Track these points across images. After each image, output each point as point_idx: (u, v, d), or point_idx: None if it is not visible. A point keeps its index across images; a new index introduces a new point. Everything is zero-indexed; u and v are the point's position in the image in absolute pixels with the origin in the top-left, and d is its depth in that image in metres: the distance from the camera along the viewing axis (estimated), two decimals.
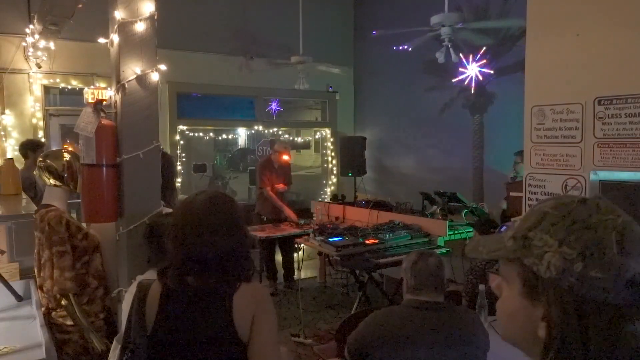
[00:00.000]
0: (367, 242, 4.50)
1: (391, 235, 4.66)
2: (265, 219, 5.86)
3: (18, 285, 2.68)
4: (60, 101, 6.35)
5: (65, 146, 5.89)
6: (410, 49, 5.81)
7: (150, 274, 1.89)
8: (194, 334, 1.42)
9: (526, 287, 0.73)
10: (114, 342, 1.93)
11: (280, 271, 6.02)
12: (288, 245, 5.77)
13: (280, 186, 5.93)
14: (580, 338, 0.67)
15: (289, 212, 5.83)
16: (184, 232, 1.46)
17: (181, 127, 7.07)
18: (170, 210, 2.46)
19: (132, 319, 1.48)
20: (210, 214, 1.48)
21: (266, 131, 8.06)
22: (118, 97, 2.34)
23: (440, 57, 5.29)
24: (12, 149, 5.63)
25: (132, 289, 1.91)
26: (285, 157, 5.88)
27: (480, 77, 6.08)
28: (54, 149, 4.39)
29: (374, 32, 6.11)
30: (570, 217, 0.70)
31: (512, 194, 4.43)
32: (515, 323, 0.77)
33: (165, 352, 1.44)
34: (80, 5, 4.15)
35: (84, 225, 2.50)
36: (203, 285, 1.43)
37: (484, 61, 6.02)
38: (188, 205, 1.51)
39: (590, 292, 0.67)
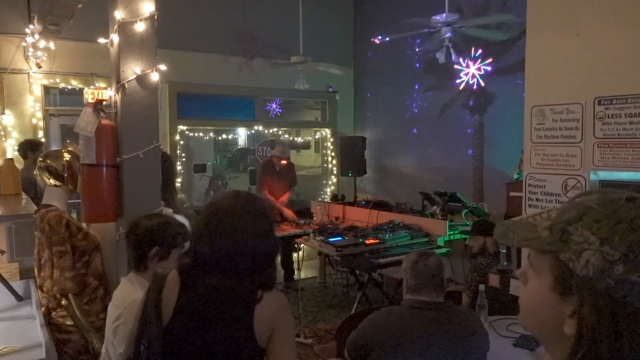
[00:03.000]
0: (367, 242, 4.50)
1: (391, 235, 4.66)
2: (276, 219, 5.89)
3: (18, 285, 2.68)
4: (60, 101, 6.35)
5: (68, 147, 5.89)
6: (387, 40, 5.77)
7: (131, 278, 1.88)
8: (212, 334, 1.41)
9: (558, 282, 0.70)
10: (105, 339, 1.93)
11: (280, 271, 6.03)
12: (287, 245, 5.79)
13: (284, 198, 5.99)
14: (613, 342, 0.65)
15: (288, 213, 5.85)
16: (221, 233, 1.43)
17: (181, 127, 7.07)
18: (170, 210, 2.46)
19: (147, 309, 1.45)
20: (250, 221, 1.45)
21: (266, 131, 8.05)
22: (118, 97, 2.34)
23: (440, 57, 5.29)
24: (12, 149, 5.63)
25: (117, 293, 1.89)
26: (284, 162, 5.96)
27: (480, 77, 6.08)
28: (54, 149, 4.40)
29: (375, 42, 6.08)
30: (617, 216, 0.67)
31: (512, 194, 4.44)
32: (540, 315, 0.74)
33: (180, 347, 1.42)
34: (80, 5, 4.15)
35: (84, 225, 2.50)
36: (227, 287, 1.41)
37: (484, 61, 6.02)
38: (228, 208, 1.46)
39: (629, 297, 0.64)
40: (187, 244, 1.68)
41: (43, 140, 5.70)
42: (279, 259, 5.99)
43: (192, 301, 1.43)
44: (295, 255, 5.83)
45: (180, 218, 2.25)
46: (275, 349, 1.43)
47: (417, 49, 6.18)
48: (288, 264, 5.99)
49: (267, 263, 1.48)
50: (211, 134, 7.92)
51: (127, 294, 1.79)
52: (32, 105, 5.88)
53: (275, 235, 1.53)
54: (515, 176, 4.83)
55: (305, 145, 9.26)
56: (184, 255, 1.54)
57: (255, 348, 1.42)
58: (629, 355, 0.64)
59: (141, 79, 2.33)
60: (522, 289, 0.78)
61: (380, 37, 6.01)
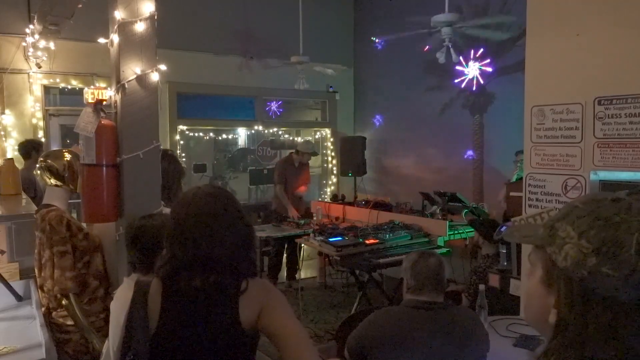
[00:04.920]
0: (367, 242, 4.50)
1: (391, 235, 4.66)
2: (284, 216, 5.91)
3: (18, 285, 2.69)
4: (60, 101, 6.35)
5: (71, 148, 5.89)
6: (387, 43, 5.78)
7: (133, 278, 1.86)
8: (200, 335, 1.40)
9: (546, 274, 0.76)
10: (106, 341, 1.92)
11: (283, 270, 6.04)
12: (291, 244, 5.79)
13: (302, 189, 6.06)
14: (580, 330, 0.70)
15: (292, 211, 5.85)
16: (193, 230, 1.40)
17: (181, 127, 7.07)
18: (169, 210, 2.45)
19: (132, 319, 1.43)
20: (217, 209, 1.43)
21: (266, 131, 8.05)
22: (118, 97, 2.34)
23: (440, 57, 5.29)
24: (12, 149, 5.63)
25: (119, 293, 1.88)
26: (305, 158, 6.07)
27: (480, 77, 6.08)
28: (54, 149, 4.40)
29: (377, 45, 6.10)
30: (596, 213, 0.71)
31: (512, 194, 4.43)
32: (532, 307, 0.81)
33: (168, 353, 1.41)
34: (80, 5, 4.15)
35: (84, 225, 2.50)
36: (211, 283, 1.39)
37: (484, 61, 6.02)
38: (190, 202, 1.45)
39: (600, 288, 0.68)
40: None
41: (43, 140, 5.71)
42: (283, 257, 5.99)
43: (177, 306, 1.41)
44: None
45: None
46: (271, 323, 1.41)
47: (417, 49, 6.18)
48: (292, 263, 5.99)
49: (244, 247, 1.46)
50: (211, 134, 7.92)
51: None
52: (32, 105, 5.88)
53: (246, 217, 1.50)
54: (515, 177, 4.82)
55: None
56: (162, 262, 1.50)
57: (244, 337, 1.41)
58: (590, 344, 0.69)
59: (141, 79, 2.33)
60: (524, 285, 0.84)
61: (378, 40, 6.02)
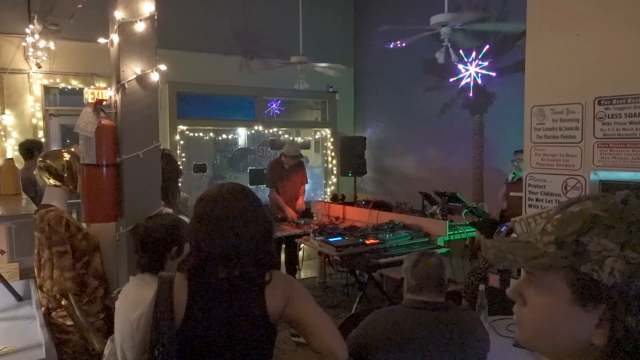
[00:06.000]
0: (367, 242, 4.50)
1: (391, 235, 4.66)
2: (278, 217, 5.89)
3: (18, 285, 2.69)
4: (60, 101, 6.35)
5: (72, 149, 5.89)
6: (405, 45, 5.77)
7: (144, 277, 1.87)
8: (228, 324, 1.44)
9: (579, 294, 0.69)
10: (108, 341, 1.92)
11: (282, 270, 6.03)
12: (292, 244, 5.79)
13: (300, 202, 5.98)
14: None
15: (290, 212, 5.84)
16: (221, 225, 1.45)
17: (181, 127, 7.07)
18: (170, 210, 2.46)
19: (158, 313, 1.46)
20: (243, 205, 1.49)
21: (266, 131, 8.06)
22: (118, 97, 2.34)
23: (440, 57, 5.29)
24: (12, 149, 5.63)
25: (126, 291, 1.88)
26: (293, 161, 5.93)
27: (480, 77, 6.08)
28: (54, 149, 4.40)
29: (390, 44, 6.08)
30: (625, 219, 0.67)
31: (512, 193, 4.43)
32: (559, 331, 0.72)
33: (197, 345, 1.45)
34: (80, 5, 4.15)
35: (83, 225, 2.50)
36: (236, 277, 1.44)
37: (484, 61, 6.02)
38: (217, 198, 1.50)
39: None
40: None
41: (43, 140, 5.71)
42: (283, 257, 5.99)
43: (203, 298, 1.46)
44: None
45: (184, 218, 2.25)
46: (298, 311, 1.49)
47: (416, 49, 6.17)
48: (291, 263, 5.98)
49: (266, 241, 1.52)
50: (211, 134, 7.92)
51: (144, 294, 1.72)
52: (32, 105, 5.88)
53: (267, 212, 1.57)
54: (510, 176, 4.82)
55: (305, 145, 9.25)
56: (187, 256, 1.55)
57: (270, 328, 1.47)
58: None
59: (141, 79, 2.33)
60: (527, 310, 0.76)
61: (393, 44, 5.99)
